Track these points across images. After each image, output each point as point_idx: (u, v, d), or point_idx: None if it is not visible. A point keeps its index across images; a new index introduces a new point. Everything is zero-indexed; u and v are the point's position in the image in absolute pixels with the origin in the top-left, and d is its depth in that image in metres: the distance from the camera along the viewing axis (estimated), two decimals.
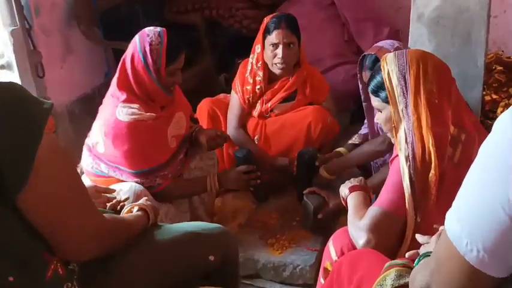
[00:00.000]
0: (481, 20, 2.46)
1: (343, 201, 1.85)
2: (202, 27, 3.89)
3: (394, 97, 1.59)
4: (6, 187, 1.06)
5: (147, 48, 2.11)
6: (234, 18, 4.00)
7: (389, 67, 1.61)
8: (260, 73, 2.72)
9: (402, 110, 1.57)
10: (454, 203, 0.93)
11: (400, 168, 1.54)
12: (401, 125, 1.58)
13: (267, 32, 2.66)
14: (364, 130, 2.52)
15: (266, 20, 2.72)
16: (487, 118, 3.13)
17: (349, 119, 3.39)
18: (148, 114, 2.14)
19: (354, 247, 1.58)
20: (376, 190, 2.13)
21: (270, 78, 2.74)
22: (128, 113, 2.11)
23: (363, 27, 3.72)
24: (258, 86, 2.74)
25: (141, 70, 2.13)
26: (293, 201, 2.65)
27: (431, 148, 1.51)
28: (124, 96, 2.14)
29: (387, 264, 1.31)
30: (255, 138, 2.81)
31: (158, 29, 2.16)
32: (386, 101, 1.64)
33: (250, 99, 2.78)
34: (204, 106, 2.86)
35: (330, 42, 3.68)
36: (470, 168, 0.91)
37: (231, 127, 2.81)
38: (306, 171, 2.53)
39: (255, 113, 2.82)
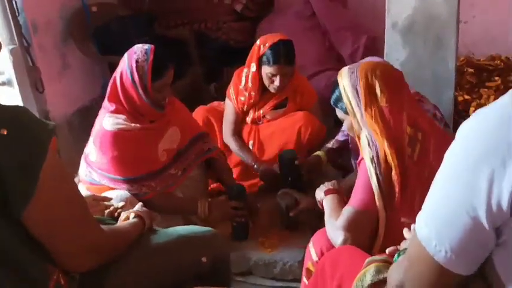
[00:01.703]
0: (451, 26, 2.49)
1: (319, 204, 1.88)
2: (192, 39, 3.90)
3: (351, 109, 1.64)
4: (12, 204, 1.06)
5: (134, 65, 2.09)
6: (221, 30, 4.01)
7: (344, 82, 1.66)
8: (254, 91, 2.72)
9: (360, 120, 1.62)
10: (422, 207, 0.95)
11: (367, 170, 1.57)
12: (362, 132, 1.62)
13: (266, 61, 2.59)
14: (341, 137, 2.53)
15: (263, 45, 2.62)
16: (460, 117, 3.15)
17: (333, 122, 3.40)
18: (133, 124, 2.13)
19: (332, 247, 1.60)
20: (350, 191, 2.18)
21: (264, 89, 2.74)
22: (113, 122, 2.11)
23: (342, 36, 3.74)
24: (252, 100, 2.75)
25: (129, 86, 2.11)
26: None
27: (387, 150, 1.54)
28: (113, 107, 2.14)
29: (367, 260, 1.32)
30: (250, 143, 2.81)
31: (146, 46, 2.13)
32: (346, 111, 1.69)
33: (245, 108, 2.79)
34: (198, 114, 2.85)
35: (312, 50, 3.69)
36: (436, 174, 0.92)
37: (226, 135, 2.81)
38: (288, 171, 2.52)
39: (248, 119, 2.83)
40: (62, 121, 3.36)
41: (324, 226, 1.75)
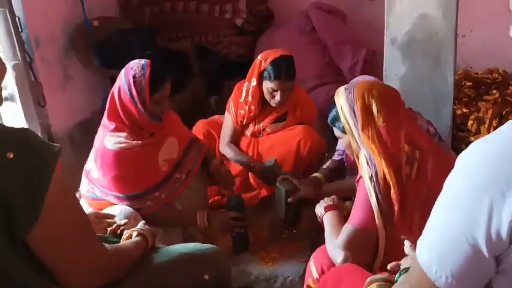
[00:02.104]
0: (449, 41, 2.50)
1: (319, 219, 1.89)
2: (193, 53, 3.91)
3: (349, 128, 1.65)
4: (16, 226, 1.07)
5: (131, 81, 2.11)
6: (222, 44, 4.02)
7: (341, 102, 1.67)
8: (254, 105, 2.73)
9: (358, 139, 1.63)
10: (423, 232, 0.96)
11: (366, 188, 1.58)
12: (360, 152, 1.63)
13: (267, 76, 2.60)
14: (337, 157, 2.53)
15: (264, 60, 2.63)
16: (458, 130, 3.17)
17: (332, 136, 3.41)
18: (134, 142, 2.15)
19: (333, 265, 1.61)
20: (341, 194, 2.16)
21: (264, 102, 2.75)
22: (115, 141, 2.12)
23: (342, 50, 3.76)
24: (252, 114, 2.77)
25: (128, 102, 2.13)
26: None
27: (385, 170, 1.55)
28: (113, 126, 2.15)
29: (368, 279, 1.33)
30: (249, 155, 2.82)
31: (142, 61, 2.16)
32: (343, 130, 1.69)
33: (244, 121, 2.80)
34: (199, 128, 2.87)
35: (312, 64, 3.71)
36: (436, 201, 0.93)
37: (223, 143, 2.83)
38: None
39: (248, 132, 2.84)
40: (64, 134, 3.37)
41: (324, 241, 1.75)
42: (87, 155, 2.30)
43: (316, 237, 2.41)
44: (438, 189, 1.23)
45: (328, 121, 1.79)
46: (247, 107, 2.76)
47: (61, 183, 1.12)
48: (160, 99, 2.17)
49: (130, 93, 2.12)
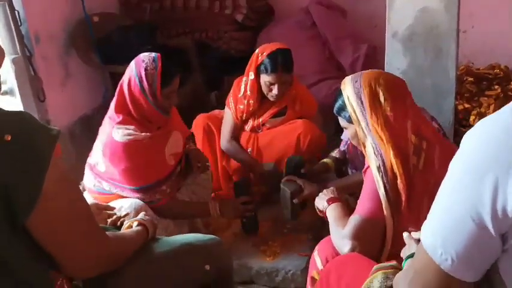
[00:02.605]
0: (450, 35, 2.49)
1: (320, 213, 1.88)
2: (193, 49, 3.91)
3: (356, 117, 1.63)
4: (15, 211, 1.05)
5: (143, 73, 2.11)
6: (222, 40, 4.02)
7: (348, 91, 1.66)
8: (253, 99, 2.72)
9: (365, 128, 1.61)
10: (427, 217, 0.95)
11: (374, 178, 1.57)
12: (367, 141, 1.62)
13: (264, 70, 2.60)
14: (342, 147, 2.52)
15: (261, 54, 2.63)
16: (461, 126, 3.16)
17: (334, 130, 3.41)
18: (143, 134, 2.14)
19: (338, 256, 1.59)
20: (346, 191, 2.19)
21: (262, 97, 2.75)
22: (123, 133, 2.11)
23: (343, 45, 3.76)
24: (251, 108, 2.75)
25: (138, 94, 2.13)
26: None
27: (393, 160, 1.54)
28: (120, 118, 2.14)
29: (374, 267, 1.31)
30: (248, 150, 2.81)
31: (153, 54, 2.16)
32: (349, 120, 1.68)
33: (243, 117, 2.79)
34: (199, 122, 2.86)
35: (312, 59, 3.70)
36: (441, 184, 0.92)
37: (224, 140, 2.81)
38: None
39: (247, 127, 2.83)
40: (64, 130, 3.35)
41: (326, 234, 1.74)
42: (88, 151, 2.29)
43: (318, 230, 2.41)
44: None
45: (334, 111, 1.78)
46: (246, 102, 2.75)
47: (60, 167, 1.10)
48: (170, 92, 2.18)
49: (141, 86, 2.11)
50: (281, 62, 2.58)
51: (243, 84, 2.74)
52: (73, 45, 3.50)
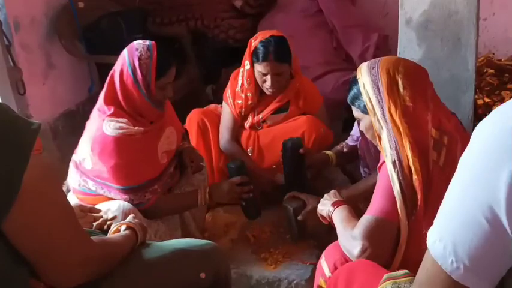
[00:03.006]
0: (470, 23, 2.47)
1: (325, 221, 1.87)
2: (187, 38, 3.90)
3: (371, 106, 1.63)
4: None
5: (137, 63, 2.11)
6: (220, 28, 4.00)
7: (363, 78, 1.66)
8: (251, 92, 2.71)
9: (381, 118, 1.61)
10: (434, 221, 0.92)
11: (389, 175, 1.55)
12: (383, 133, 1.61)
13: (255, 57, 2.60)
14: (350, 142, 2.51)
15: (254, 40, 2.64)
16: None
17: (341, 127, 3.40)
18: (136, 128, 2.13)
19: (347, 261, 1.58)
20: (358, 199, 2.19)
21: (262, 91, 2.74)
22: (115, 127, 2.10)
23: (351, 34, 3.74)
24: (249, 102, 2.74)
25: (131, 85, 2.12)
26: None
27: (409, 153, 1.53)
28: (111, 111, 2.13)
29: (385, 276, 1.30)
30: (249, 150, 2.80)
31: (147, 42, 2.15)
32: (364, 110, 1.68)
33: (242, 112, 2.78)
34: (193, 117, 2.85)
35: (318, 50, 3.69)
36: (449, 185, 0.91)
37: (223, 140, 2.80)
38: (291, 161, 2.49)
39: (247, 124, 2.82)
40: (45, 126, 3.34)
41: (334, 239, 1.74)
42: (72, 150, 2.28)
43: (324, 236, 2.40)
44: None
45: (348, 100, 1.77)
46: (243, 96, 2.74)
47: (40, 163, 1.09)
48: (165, 84, 2.18)
49: (135, 76, 2.11)
50: (273, 50, 2.56)
51: (240, 76, 2.73)
52: (56, 33, 3.48)
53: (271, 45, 2.57)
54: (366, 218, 1.57)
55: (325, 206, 1.85)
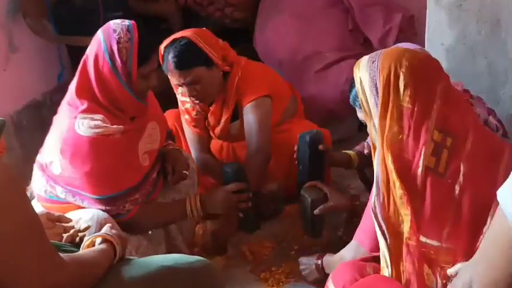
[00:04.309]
0: (511, 1, 2.48)
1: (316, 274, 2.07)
2: (177, 17, 3.90)
3: (368, 110, 1.65)
4: None
5: (115, 47, 2.10)
6: (215, 5, 4.01)
7: (361, 74, 1.67)
8: (188, 103, 2.75)
9: (376, 125, 1.63)
10: (507, 181, 0.95)
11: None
12: (378, 143, 1.64)
13: (164, 68, 2.65)
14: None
15: (162, 48, 2.64)
16: None
17: (358, 125, 3.41)
18: (115, 126, 2.13)
19: (357, 280, 1.65)
20: None
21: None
22: (89, 125, 2.09)
23: (371, 14, 3.74)
24: (194, 113, 2.78)
25: (108, 74, 2.12)
26: (290, 225, 2.65)
27: (391, 166, 1.57)
28: (84, 106, 2.12)
29: None
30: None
31: (126, 22, 2.15)
32: None
33: (197, 125, 2.82)
34: (168, 119, 2.86)
35: (331, 32, 3.69)
36: None
37: (193, 153, 2.84)
38: (309, 159, 2.49)
39: (214, 133, 2.85)
40: (6, 120, 3.32)
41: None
42: (38, 147, 2.28)
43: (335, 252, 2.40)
44: (477, 187, 1.24)
45: (350, 100, 1.79)
46: (184, 108, 2.78)
47: (4, 168, 1.09)
48: (148, 71, 2.18)
49: (113, 63, 2.11)
50: (172, 58, 2.58)
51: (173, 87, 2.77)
52: (21, 11, 3.48)
53: (169, 53, 2.59)
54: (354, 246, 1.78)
55: (308, 267, 2.07)
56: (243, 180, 2.41)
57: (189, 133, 2.85)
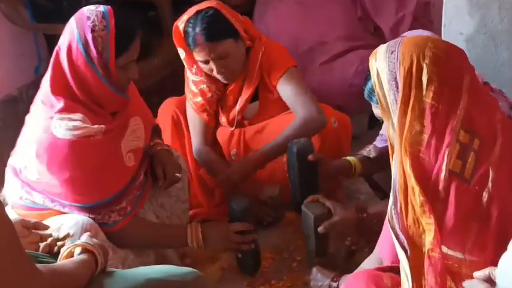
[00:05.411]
0: None
1: None
2: (166, 4, 3.90)
3: (386, 106, 1.64)
4: None
5: (89, 36, 2.09)
6: None
7: (379, 65, 1.65)
8: (204, 83, 2.76)
9: (394, 124, 1.62)
10: None
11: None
12: (396, 143, 1.62)
13: (188, 44, 2.65)
14: (380, 143, 2.52)
15: (179, 24, 2.66)
16: None
17: (367, 123, 3.41)
18: (96, 126, 2.12)
19: None
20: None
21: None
22: (67, 127, 2.08)
23: (382, 1, 3.75)
24: (209, 94, 2.78)
25: (83, 66, 2.11)
26: (292, 233, 2.66)
27: (409, 169, 1.56)
28: (61, 104, 2.11)
29: None
30: (232, 153, 2.82)
31: (101, 8, 2.13)
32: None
33: (208, 109, 2.82)
34: (167, 109, 2.89)
35: (338, 20, 3.69)
36: None
37: (194, 146, 2.85)
38: (298, 171, 2.50)
39: (223, 121, 2.86)
40: None
41: (354, 269, 1.83)
42: (11, 146, 2.28)
43: (344, 264, 2.41)
44: (507, 195, 1.25)
45: (365, 95, 1.79)
46: (197, 91, 2.78)
47: None
48: (127, 62, 2.17)
49: (87, 54, 2.10)
50: (201, 30, 2.59)
51: (187, 70, 2.78)
52: None
53: (197, 25, 2.60)
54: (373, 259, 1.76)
55: (321, 285, 2.08)
56: (250, 219, 2.41)
57: (197, 122, 2.84)
